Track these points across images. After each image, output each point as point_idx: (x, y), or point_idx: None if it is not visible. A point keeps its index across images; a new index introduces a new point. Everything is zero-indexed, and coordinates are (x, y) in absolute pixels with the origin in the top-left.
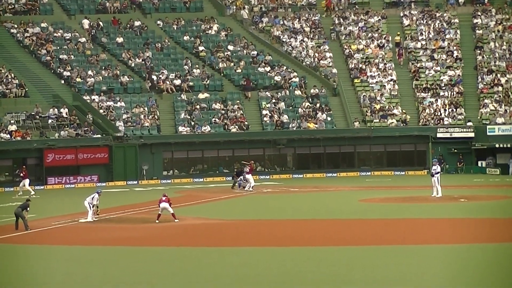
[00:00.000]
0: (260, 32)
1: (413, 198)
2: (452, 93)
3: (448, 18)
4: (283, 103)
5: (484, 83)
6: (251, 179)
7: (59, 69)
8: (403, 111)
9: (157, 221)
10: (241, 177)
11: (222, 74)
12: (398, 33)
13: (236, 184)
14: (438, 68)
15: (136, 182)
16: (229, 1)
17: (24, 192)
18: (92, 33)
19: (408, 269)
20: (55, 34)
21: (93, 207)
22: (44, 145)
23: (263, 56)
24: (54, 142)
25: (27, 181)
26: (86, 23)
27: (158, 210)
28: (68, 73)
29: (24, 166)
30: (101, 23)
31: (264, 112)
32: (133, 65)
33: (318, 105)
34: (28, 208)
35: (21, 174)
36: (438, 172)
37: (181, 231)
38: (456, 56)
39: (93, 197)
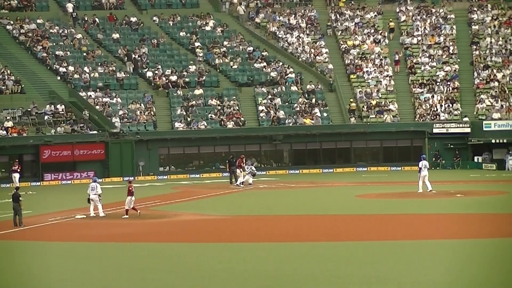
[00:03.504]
0: (256, 28)
1: (410, 193)
2: (448, 89)
3: (444, 14)
4: (279, 99)
5: (480, 78)
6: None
7: (55, 66)
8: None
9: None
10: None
11: (218, 70)
12: (391, 19)
13: (233, 180)
14: (434, 64)
15: (132, 178)
16: None
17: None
18: (74, 16)
19: (406, 264)
20: (51, 31)
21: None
22: (40, 141)
23: (259, 52)
24: (50, 138)
25: (17, 176)
26: (70, 6)
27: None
28: (64, 69)
29: (17, 160)
30: (97, 19)
31: (260, 108)
32: None
33: (314, 101)
34: (20, 198)
35: (12, 168)
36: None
37: (177, 227)
38: (452, 51)
39: (96, 187)
